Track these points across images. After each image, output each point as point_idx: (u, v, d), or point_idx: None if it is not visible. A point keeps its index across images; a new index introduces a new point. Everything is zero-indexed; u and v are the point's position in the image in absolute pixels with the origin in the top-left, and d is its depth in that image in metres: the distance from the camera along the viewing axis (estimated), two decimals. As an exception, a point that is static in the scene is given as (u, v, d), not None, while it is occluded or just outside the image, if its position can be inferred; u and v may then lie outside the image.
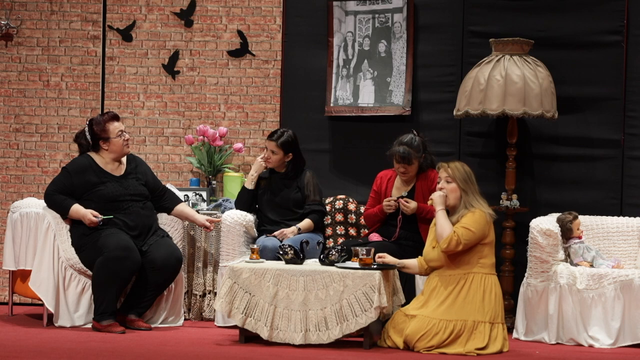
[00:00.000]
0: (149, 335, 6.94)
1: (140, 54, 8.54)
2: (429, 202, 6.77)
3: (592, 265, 7.14)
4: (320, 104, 8.22)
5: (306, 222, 7.50)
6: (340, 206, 7.80)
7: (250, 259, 6.93)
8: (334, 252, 6.77)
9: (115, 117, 7.38)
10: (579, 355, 6.60)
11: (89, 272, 7.18)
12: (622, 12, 7.76)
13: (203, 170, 8.31)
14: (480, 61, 7.54)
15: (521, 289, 7.16)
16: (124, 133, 7.35)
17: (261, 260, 6.93)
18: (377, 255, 6.70)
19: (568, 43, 7.82)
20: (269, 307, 6.61)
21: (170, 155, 8.52)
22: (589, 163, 7.82)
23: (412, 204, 7.20)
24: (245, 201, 7.62)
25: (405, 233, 7.24)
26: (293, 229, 7.42)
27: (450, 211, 6.72)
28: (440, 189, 6.70)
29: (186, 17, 8.49)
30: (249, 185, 7.63)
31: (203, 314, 7.81)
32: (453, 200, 6.68)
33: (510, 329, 7.17)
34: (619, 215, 7.59)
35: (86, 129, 7.37)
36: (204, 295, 7.82)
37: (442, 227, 6.57)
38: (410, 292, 7.07)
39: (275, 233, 7.40)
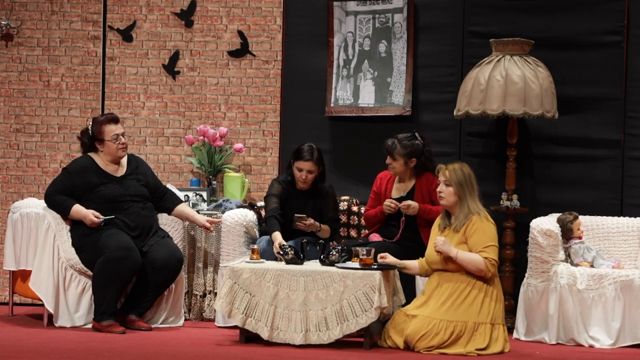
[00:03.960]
0: (149, 336, 6.94)
1: (140, 54, 8.54)
2: (437, 249, 6.61)
3: (592, 266, 7.14)
4: (320, 104, 8.23)
5: (326, 227, 7.43)
6: (345, 207, 7.81)
7: (251, 259, 6.93)
8: (334, 253, 6.77)
9: (114, 120, 7.34)
10: (579, 355, 6.60)
11: (89, 273, 7.18)
12: (622, 12, 7.76)
13: (203, 170, 8.31)
14: (481, 61, 7.55)
15: (521, 289, 7.16)
16: (120, 137, 7.31)
17: (261, 260, 6.93)
18: (378, 255, 6.70)
19: (568, 43, 7.82)
20: (269, 307, 6.61)
21: (171, 156, 8.52)
22: (589, 163, 7.82)
23: (413, 205, 7.19)
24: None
25: (406, 234, 7.23)
26: (317, 224, 7.34)
27: (450, 212, 6.71)
28: (439, 192, 6.69)
29: (186, 17, 8.49)
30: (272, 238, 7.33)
31: (203, 314, 7.82)
32: (452, 202, 6.67)
33: (510, 329, 7.17)
34: (619, 216, 7.59)
35: (89, 127, 7.37)
36: (204, 295, 7.82)
37: (471, 261, 6.52)
38: (410, 293, 7.07)
39: (308, 222, 7.24)
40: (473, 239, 6.55)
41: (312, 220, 7.29)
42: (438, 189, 6.71)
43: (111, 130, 7.29)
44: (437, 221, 6.79)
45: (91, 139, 7.34)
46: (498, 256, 6.60)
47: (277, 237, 7.13)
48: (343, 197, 7.87)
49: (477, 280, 6.54)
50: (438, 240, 6.58)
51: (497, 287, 6.61)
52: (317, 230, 7.37)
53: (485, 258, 6.49)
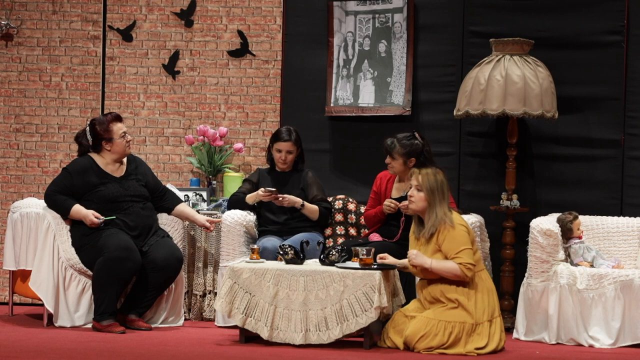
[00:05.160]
0: (149, 335, 6.94)
1: (140, 54, 8.54)
2: (411, 263, 6.61)
3: (592, 266, 7.14)
4: (320, 104, 8.23)
5: (313, 206, 7.50)
6: (340, 206, 7.80)
7: (251, 259, 6.93)
8: (334, 252, 6.77)
9: (118, 118, 7.39)
10: (579, 355, 6.60)
11: (89, 272, 7.19)
12: (622, 12, 7.76)
13: (203, 170, 8.32)
14: (481, 61, 7.54)
15: (521, 289, 7.16)
16: (127, 134, 7.37)
17: (261, 260, 6.93)
18: (378, 255, 6.70)
19: (568, 43, 7.82)
20: (269, 307, 6.62)
21: (171, 156, 8.52)
22: (589, 163, 7.82)
23: (413, 205, 7.20)
24: (239, 207, 7.57)
25: (406, 233, 7.23)
26: (298, 199, 7.43)
27: (420, 216, 6.68)
28: (410, 196, 6.66)
29: (186, 17, 8.49)
30: (250, 202, 7.58)
31: (203, 314, 7.82)
32: (421, 208, 6.63)
33: (510, 329, 7.18)
34: (619, 216, 7.59)
35: (87, 129, 7.38)
36: (204, 295, 7.83)
37: (446, 269, 6.48)
38: (410, 293, 7.06)
39: (283, 196, 7.39)
40: (445, 247, 6.52)
41: (287, 196, 7.40)
42: (409, 193, 6.69)
43: (119, 128, 7.33)
44: (412, 228, 6.78)
45: (96, 139, 7.32)
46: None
47: (253, 194, 7.50)
48: (339, 196, 7.86)
49: (463, 287, 6.50)
50: (410, 254, 6.57)
51: (484, 283, 6.55)
52: (301, 207, 7.42)
53: (460, 264, 6.47)
